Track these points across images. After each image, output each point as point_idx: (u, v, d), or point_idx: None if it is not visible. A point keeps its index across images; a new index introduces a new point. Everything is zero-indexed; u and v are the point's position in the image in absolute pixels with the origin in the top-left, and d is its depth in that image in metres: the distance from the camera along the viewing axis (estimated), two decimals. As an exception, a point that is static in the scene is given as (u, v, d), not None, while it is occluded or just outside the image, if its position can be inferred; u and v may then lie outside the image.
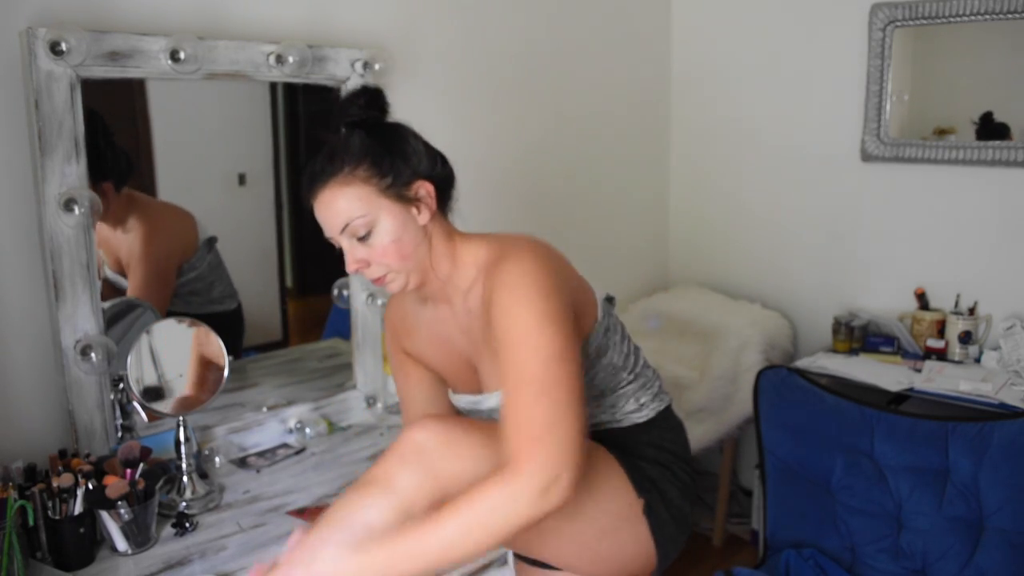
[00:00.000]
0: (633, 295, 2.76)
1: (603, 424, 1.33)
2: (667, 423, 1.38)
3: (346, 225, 1.15)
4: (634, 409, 1.33)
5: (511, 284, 1.12)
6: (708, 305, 2.60)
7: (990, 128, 2.16)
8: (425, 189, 1.19)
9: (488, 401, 1.29)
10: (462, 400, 1.35)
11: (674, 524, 1.29)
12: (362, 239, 1.16)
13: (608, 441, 1.31)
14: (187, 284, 1.68)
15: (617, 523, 1.23)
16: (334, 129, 1.21)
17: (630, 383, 1.33)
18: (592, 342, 1.27)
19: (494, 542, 1.04)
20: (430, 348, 1.35)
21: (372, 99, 1.20)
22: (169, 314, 1.61)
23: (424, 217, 1.19)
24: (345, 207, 1.15)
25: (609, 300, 1.37)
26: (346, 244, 1.18)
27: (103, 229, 1.54)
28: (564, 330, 1.11)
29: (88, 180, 1.41)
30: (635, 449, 1.31)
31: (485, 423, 1.21)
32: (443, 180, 1.23)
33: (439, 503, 1.07)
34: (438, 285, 1.25)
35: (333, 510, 1.11)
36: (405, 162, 1.18)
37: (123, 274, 1.59)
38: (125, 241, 1.58)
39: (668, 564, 1.30)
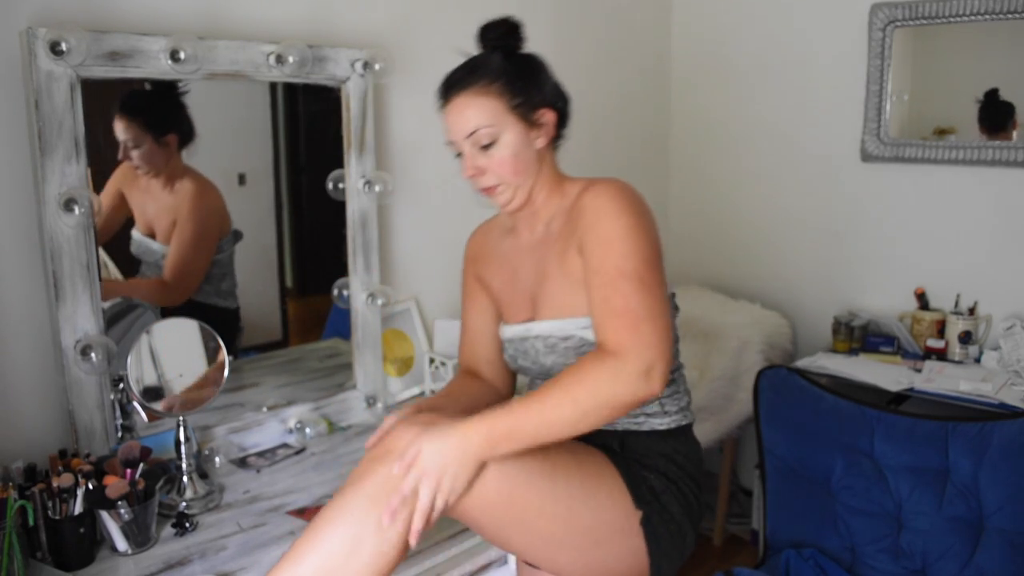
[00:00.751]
0: (633, 295, 2.76)
1: (620, 423, 1.32)
2: (685, 439, 1.37)
3: (473, 132, 1.24)
4: (656, 413, 1.32)
5: (610, 195, 1.22)
6: (708, 305, 2.60)
7: (995, 105, 2.15)
8: (547, 117, 1.28)
9: (536, 328, 1.32)
10: (511, 331, 1.38)
11: (670, 539, 1.26)
12: (484, 148, 1.25)
13: (622, 445, 1.31)
14: (210, 266, 1.69)
15: (612, 534, 1.22)
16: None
17: None
18: None
19: (597, 417, 1.11)
20: (498, 275, 1.42)
21: (511, 30, 1.29)
22: (176, 310, 1.62)
23: (541, 142, 1.29)
24: (475, 115, 1.24)
25: (672, 297, 1.37)
26: (468, 150, 1.26)
27: (153, 186, 1.57)
28: (657, 244, 1.21)
29: (152, 132, 1.52)
30: (645, 457, 1.30)
31: None
32: (563, 114, 1.33)
33: None
34: (531, 210, 1.34)
35: (352, 483, 1.11)
36: (536, 88, 1.27)
37: (152, 236, 1.60)
38: (171, 201, 1.61)
39: None
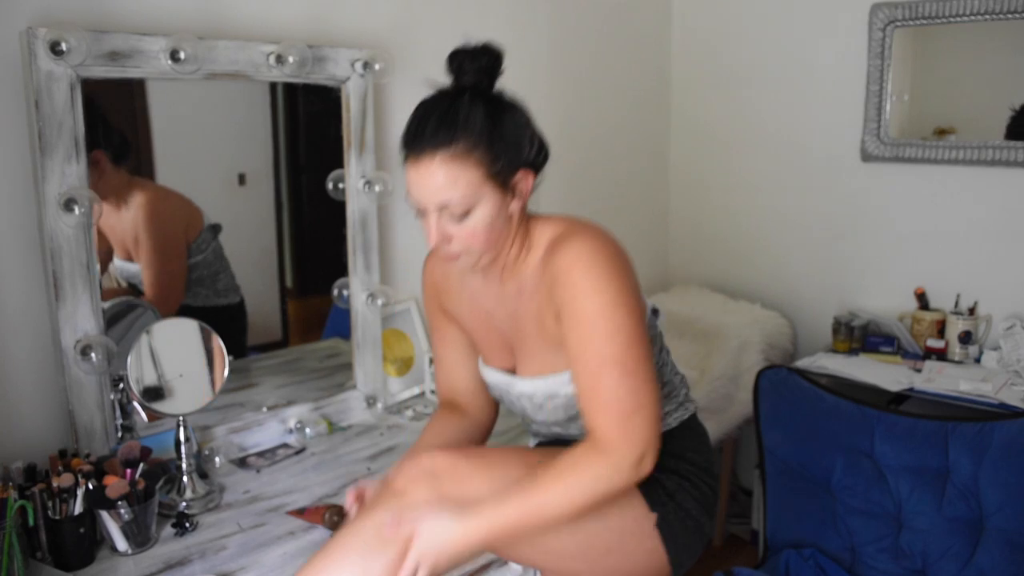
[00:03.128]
0: (633, 295, 2.76)
1: None
2: (690, 432, 1.35)
3: (446, 204, 1.11)
4: None
5: (583, 263, 1.12)
6: (708, 305, 2.60)
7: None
8: (526, 181, 1.17)
9: (519, 386, 1.29)
10: (492, 376, 1.34)
11: (689, 535, 1.26)
12: (455, 216, 1.12)
13: None
14: (194, 269, 1.68)
15: (624, 538, 1.21)
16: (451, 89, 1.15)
17: None
18: None
19: (588, 508, 1.10)
20: (469, 314, 1.34)
21: (493, 63, 1.13)
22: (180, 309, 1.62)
23: (516, 206, 1.17)
24: (449, 185, 1.09)
25: (654, 312, 1.35)
26: (434, 217, 1.13)
27: (107, 213, 1.53)
28: (637, 311, 1.13)
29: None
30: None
31: (491, 452, 1.22)
32: (541, 168, 1.21)
33: None
34: (498, 266, 1.25)
35: (362, 515, 1.15)
36: (517, 151, 1.14)
37: (130, 259, 1.59)
38: (129, 220, 1.57)
39: (683, 573, 1.27)
